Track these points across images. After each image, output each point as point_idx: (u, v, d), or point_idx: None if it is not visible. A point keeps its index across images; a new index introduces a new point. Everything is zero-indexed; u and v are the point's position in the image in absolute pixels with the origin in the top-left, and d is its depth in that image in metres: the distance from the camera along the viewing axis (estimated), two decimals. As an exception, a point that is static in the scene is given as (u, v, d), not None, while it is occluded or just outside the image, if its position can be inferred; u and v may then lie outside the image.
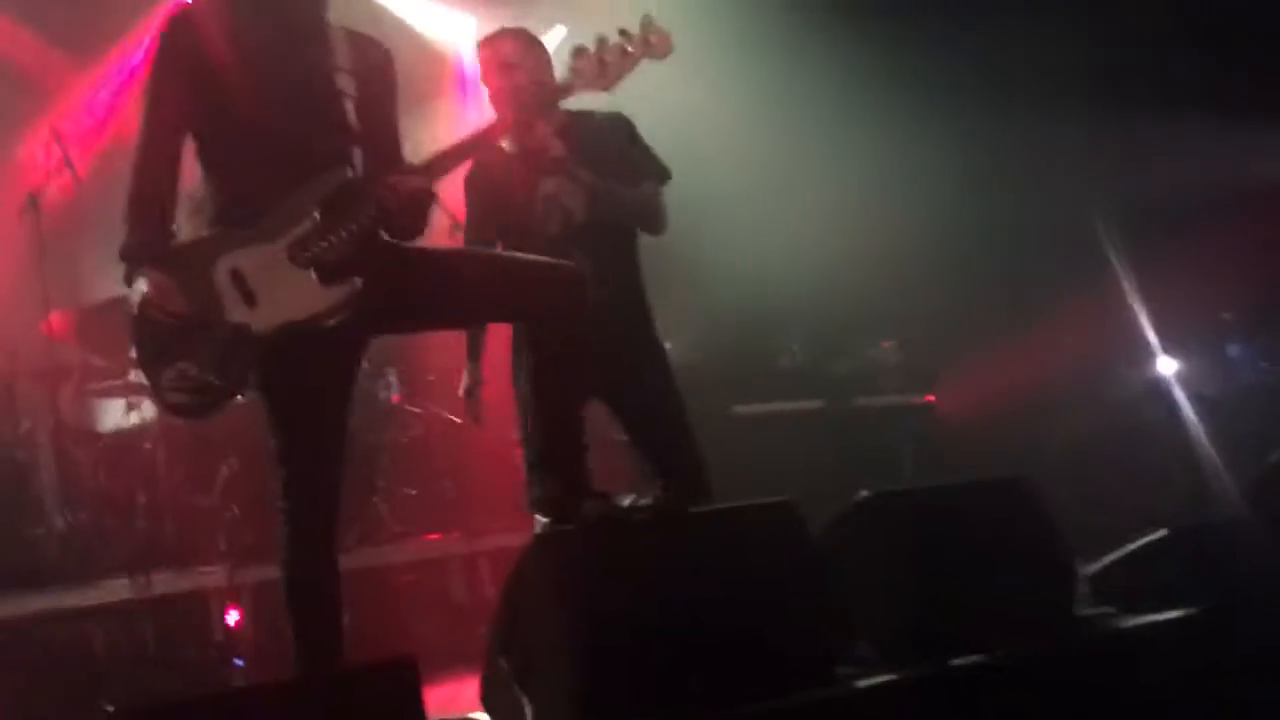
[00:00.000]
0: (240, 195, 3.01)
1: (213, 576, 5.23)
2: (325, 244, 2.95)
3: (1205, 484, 5.75)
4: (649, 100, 7.48)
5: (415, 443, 6.58)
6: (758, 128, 7.54)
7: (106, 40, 7.38)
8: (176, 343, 2.94)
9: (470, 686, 3.07)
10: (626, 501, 3.16)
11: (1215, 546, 3.45)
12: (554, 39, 8.84)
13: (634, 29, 3.11)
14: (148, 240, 2.99)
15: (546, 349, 3.19)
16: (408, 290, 3.06)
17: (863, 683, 2.92)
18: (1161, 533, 3.47)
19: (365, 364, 6.39)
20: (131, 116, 7.32)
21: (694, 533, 3.09)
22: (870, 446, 6.90)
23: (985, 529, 3.33)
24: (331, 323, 2.97)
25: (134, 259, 2.98)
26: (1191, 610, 3.24)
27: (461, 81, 8.81)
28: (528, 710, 2.77)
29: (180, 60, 2.99)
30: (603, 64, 3.08)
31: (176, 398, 3.00)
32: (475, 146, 3.12)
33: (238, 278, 2.95)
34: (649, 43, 3.11)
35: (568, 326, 3.13)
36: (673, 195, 7.53)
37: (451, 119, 8.72)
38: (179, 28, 3.01)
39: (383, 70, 3.20)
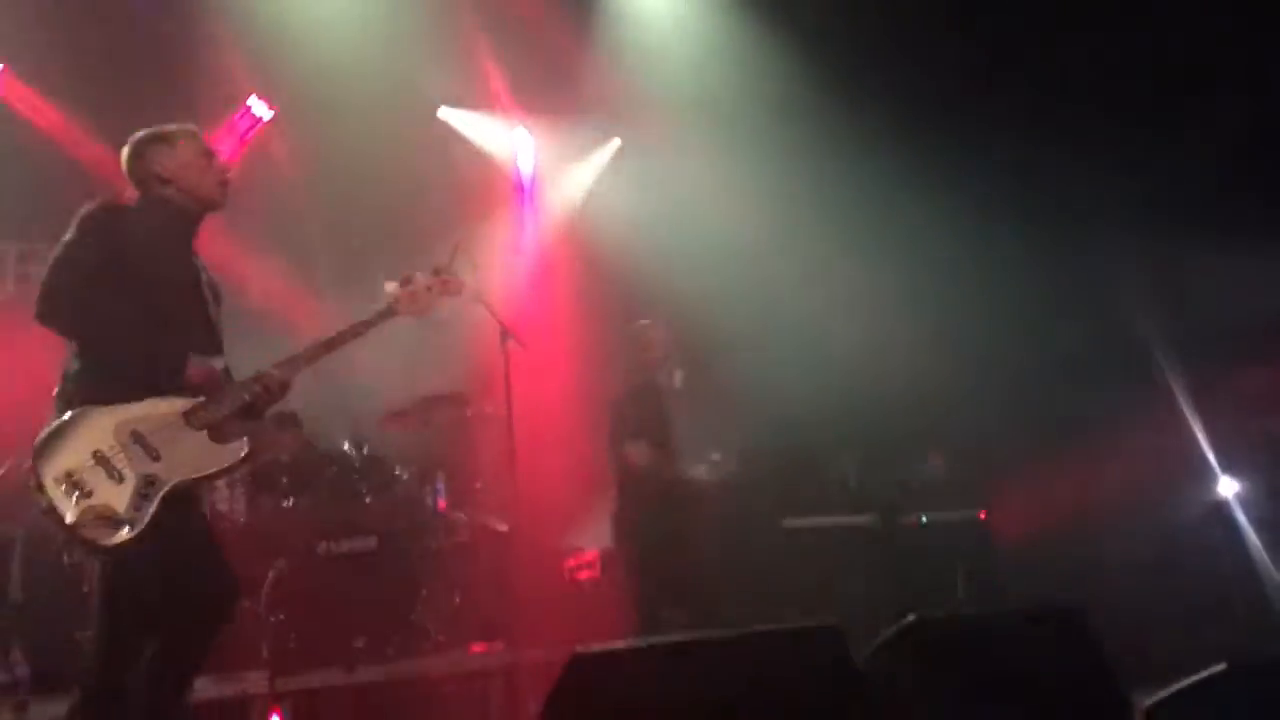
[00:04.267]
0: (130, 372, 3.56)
1: (254, 682, 5.21)
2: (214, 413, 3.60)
3: (1269, 613, 5.56)
4: (690, 210, 7.68)
5: (461, 550, 6.57)
6: (806, 238, 7.63)
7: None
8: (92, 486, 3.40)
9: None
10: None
11: (1276, 684, 3.31)
12: (608, 151, 9.07)
13: (445, 271, 4.06)
14: None
15: None
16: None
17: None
18: (1220, 667, 3.35)
19: (413, 470, 6.54)
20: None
21: (735, 655, 3.04)
22: (921, 563, 6.77)
23: (1036, 659, 3.24)
24: (227, 476, 3.67)
25: None
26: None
27: (520, 191, 9.03)
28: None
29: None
30: (415, 296, 3.95)
31: (90, 532, 3.35)
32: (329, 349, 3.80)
33: (138, 437, 3.49)
34: (447, 285, 4.04)
35: None
36: (720, 307, 7.67)
37: (510, 226, 8.92)
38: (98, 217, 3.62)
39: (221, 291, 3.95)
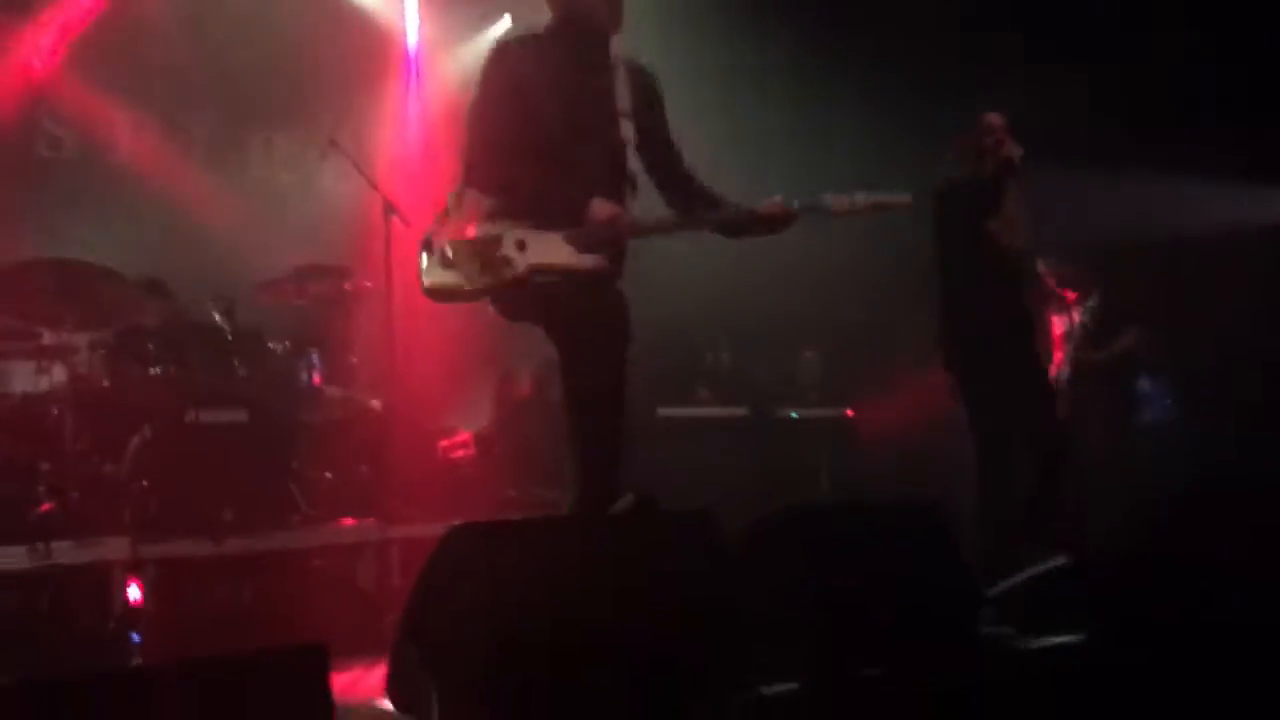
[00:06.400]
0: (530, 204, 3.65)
1: (115, 548, 5.11)
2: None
3: (1112, 513, 5.91)
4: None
5: (334, 426, 6.50)
6: (695, 124, 7.57)
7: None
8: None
9: (375, 674, 3.05)
10: None
11: (1106, 576, 3.57)
12: (500, 28, 8.84)
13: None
14: None
15: None
16: None
17: (768, 690, 2.97)
18: (1061, 560, 3.58)
19: (287, 344, 6.41)
20: (65, 74, 7.25)
21: (612, 535, 3.11)
22: (791, 457, 6.99)
23: (896, 547, 3.40)
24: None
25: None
26: (1080, 635, 3.35)
27: (407, 62, 8.76)
28: (434, 698, 2.77)
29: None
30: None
31: None
32: None
33: (520, 244, 3.64)
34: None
35: None
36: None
37: (398, 99, 8.68)
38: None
39: (655, 90, 4.02)
